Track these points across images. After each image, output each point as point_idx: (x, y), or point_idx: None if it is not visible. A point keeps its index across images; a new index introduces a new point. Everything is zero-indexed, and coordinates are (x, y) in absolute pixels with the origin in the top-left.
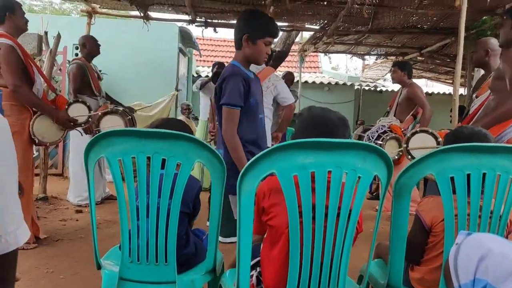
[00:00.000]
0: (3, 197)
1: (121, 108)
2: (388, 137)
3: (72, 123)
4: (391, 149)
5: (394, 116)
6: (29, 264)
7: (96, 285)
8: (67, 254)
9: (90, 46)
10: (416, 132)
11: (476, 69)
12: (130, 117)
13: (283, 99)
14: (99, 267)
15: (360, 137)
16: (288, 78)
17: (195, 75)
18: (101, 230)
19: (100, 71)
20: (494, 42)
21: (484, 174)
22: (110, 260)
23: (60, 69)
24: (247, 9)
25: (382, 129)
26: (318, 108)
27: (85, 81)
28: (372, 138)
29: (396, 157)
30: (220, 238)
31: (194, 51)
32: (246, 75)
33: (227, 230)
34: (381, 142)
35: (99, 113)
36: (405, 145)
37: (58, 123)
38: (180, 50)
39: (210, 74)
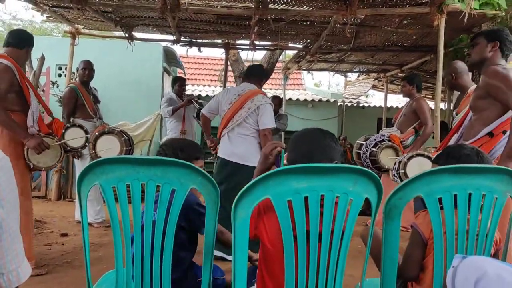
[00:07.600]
0: (6, 236)
1: (118, 128)
2: (384, 146)
3: (45, 147)
4: (386, 157)
5: (397, 127)
6: None
7: None
8: (53, 280)
9: (79, 71)
10: (412, 156)
11: None
12: (127, 137)
13: (260, 123)
14: None
15: (361, 146)
16: (276, 102)
17: None
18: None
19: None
20: (458, 65)
21: (470, 194)
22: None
23: (43, 90)
24: None
25: (380, 138)
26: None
27: (79, 104)
28: (370, 146)
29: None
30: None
31: (179, 70)
32: None
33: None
34: (376, 150)
35: (96, 133)
36: (402, 171)
37: (30, 147)
38: (165, 69)
39: (195, 92)
